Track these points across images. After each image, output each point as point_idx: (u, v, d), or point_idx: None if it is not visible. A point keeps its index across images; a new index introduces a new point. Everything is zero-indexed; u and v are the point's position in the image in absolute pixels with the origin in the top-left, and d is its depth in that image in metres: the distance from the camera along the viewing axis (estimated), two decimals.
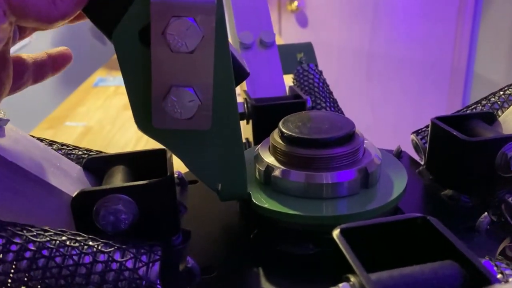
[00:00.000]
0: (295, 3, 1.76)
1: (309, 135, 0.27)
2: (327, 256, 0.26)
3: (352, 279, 0.18)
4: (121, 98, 1.17)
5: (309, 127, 0.28)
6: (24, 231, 0.22)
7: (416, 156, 0.38)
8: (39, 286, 0.21)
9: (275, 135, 0.29)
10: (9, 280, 0.21)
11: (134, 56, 0.23)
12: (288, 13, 1.81)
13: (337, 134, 0.27)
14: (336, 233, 0.20)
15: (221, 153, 0.26)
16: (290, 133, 0.28)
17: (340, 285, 0.18)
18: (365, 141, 0.29)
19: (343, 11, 1.79)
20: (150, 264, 0.23)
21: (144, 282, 0.23)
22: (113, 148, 0.91)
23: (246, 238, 0.28)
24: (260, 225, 0.28)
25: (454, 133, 0.30)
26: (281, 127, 0.29)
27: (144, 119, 0.24)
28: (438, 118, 0.33)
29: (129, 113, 1.07)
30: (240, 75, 0.26)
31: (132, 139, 0.94)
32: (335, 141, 0.27)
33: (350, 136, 0.28)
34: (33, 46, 1.79)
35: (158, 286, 0.23)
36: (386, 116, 1.70)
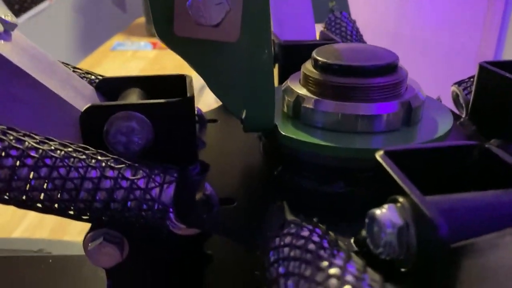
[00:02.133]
0: None
1: (346, 62, 0.24)
2: (358, 196, 0.24)
3: (401, 199, 0.16)
4: (139, 62, 1.15)
5: (346, 56, 0.25)
6: (26, 137, 0.20)
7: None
8: (41, 198, 0.19)
9: (308, 65, 0.26)
10: (7, 188, 0.19)
11: None
12: None
13: (378, 63, 0.24)
14: (380, 154, 0.18)
15: (249, 74, 0.23)
16: (325, 60, 0.25)
17: (385, 206, 0.16)
18: (408, 77, 0.26)
19: None
20: (165, 186, 0.21)
21: (156, 204, 0.20)
22: None
23: (269, 175, 0.26)
24: (286, 161, 0.26)
25: (507, 75, 0.27)
26: (315, 55, 0.26)
27: (165, 25, 0.22)
28: (488, 62, 0.30)
29: None
30: None
31: None
32: (376, 70, 0.24)
33: (392, 67, 0.25)
34: (53, 10, 1.78)
35: (171, 210, 0.20)
36: None
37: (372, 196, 0.18)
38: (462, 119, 0.32)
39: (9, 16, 0.23)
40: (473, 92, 0.31)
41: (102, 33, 1.61)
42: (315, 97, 0.25)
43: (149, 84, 0.27)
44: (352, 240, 0.19)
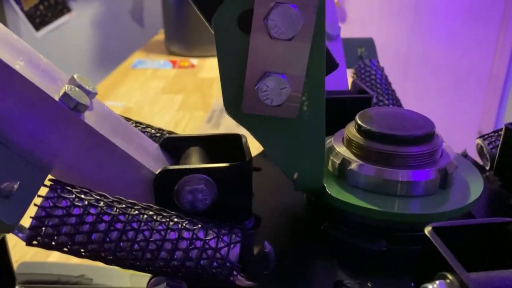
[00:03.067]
0: None
1: (388, 131, 0.27)
2: (399, 254, 0.26)
3: (450, 276, 0.18)
4: (159, 81, 1.18)
5: (388, 123, 0.28)
6: (115, 203, 0.23)
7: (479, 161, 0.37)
8: (127, 257, 0.22)
9: (351, 128, 0.29)
10: (100, 249, 0.22)
11: (232, 42, 0.23)
12: None
13: (418, 133, 0.27)
14: (428, 230, 0.20)
15: (303, 143, 0.26)
16: (368, 128, 0.28)
17: (437, 282, 0.19)
18: (443, 143, 0.29)
19: (383, 9, 1.77)
20: (232, 245, 0.23)
21: (226, 262, 0.23)
22: None
23: (315, 229, 0.29)
24: (331, 217, 0.28)
25: None
26: (358, 120, 0.29)
27: (234, 104, 0.25)
28: None
29: (167, 96, 1.09)
30: (330, 65, 0.26)
31: (170, 122, 0.95)
32: (415, 139, 0.27)
33: (430, 136, 0.28)
34: (73, 24, 1.82)
35: (238, 267, 0.23)
36: None
37: (409, 256, 0.21)
38: (487, 173, 0.35)
39: (91, 86, 0.26)
40: (499, 149, 0.34)
41: (120, 48, 1.65)
42: (359, 161, 0.28)
43: (208, 142, 0.30)
44: None
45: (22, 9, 1.75)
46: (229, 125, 0.99)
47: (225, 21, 0.23)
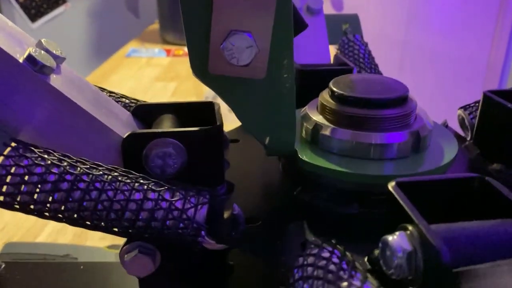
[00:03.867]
0: None
1: (361, 95, 0.27)
2: (371, 217, 0.26)
3: (410, 227, 0.18)
4: (153, 70, 1.17)
5: (361, 88, 0.28)
6: (79, 163, 0.23)
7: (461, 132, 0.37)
8: (91, 217, 0.22)
9: (325, 95, 0.29)
10: (63, 209, 0.22)
11: (196, 4, 0.23)
12: None
13: (390, 96, 0.27)
14: (392, 185, 0.20)
15: (273, 106, 0.26)
16: (341, 92, 0.27)
17: (397, 233, 0.18)
18: (417, 107, 0.28)
19: None
20: (199, 207, 0.23)
21: (192, 223, 0.23)
22: None
23: (289, 194, 0.28)
24: (304, 183, 0.28)
25: (509, 105, 0.29)
26: (331, 86, 0.28)
27: (201, 65, 0.24)
28: (491, 91, 0.32)
29: (160, 84, 1.08)
30: (299, 26, 0.25)
31: None
32: (387, 102, 0.27)
33: (403, 99, 0.27)
34: (69, 15, 1.81)
35: (204, 228, 0.23)
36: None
37: (383, 219, 0.21)
38: (467, 143, 0.35)
39: (59, 51, 0.26)
40: (477, 118, 0.33)
41: (115, 38, 1.65)
42: (332, 125, 0.27)
43: (180, 109, 0.29)
44: (365, 259, 0.21)
45: (17, 0, 1.75)
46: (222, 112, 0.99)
47: None
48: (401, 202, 0.19)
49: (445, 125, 0.37)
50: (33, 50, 0.24)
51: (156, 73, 1.15)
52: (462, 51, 1.70)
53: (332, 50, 0.46)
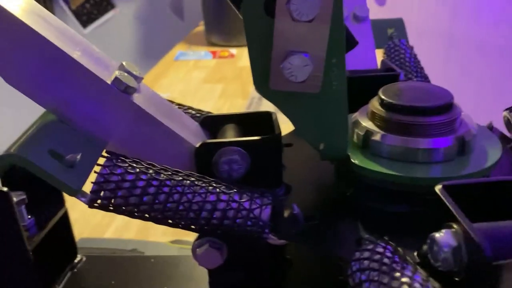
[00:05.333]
0: None
1: (409, 103, 0.29)
2: (419, 216, 0.28)
3: (455, 225, 0.21)
4: (201, 72, 1.22)
5: (408, 96, 0.30)
6: (162, 171, 0.26)
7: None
8: (173, 216, 0.26)
9: (374, 103, 0.31)
10: (150, 210, 0.25)
11: (259, 26, 0.26)
12: None
13: (436, 103, 0.29)
14: (439, 187, 0.22)
15: (327, 115, 0.29)
16: (390, 101, 0.30)
17: (443, 230, 0.21)
18: (462, 113, 0.31)
19: None
20: (263, 207, 0.26)
21: (259, 222, 0.26)
22: None
23: (342, 197, 0.31)
24: (357, 184, 0.31)
25: None
26: (381, 94, 0.31)
27: (263, 82, 0.28)
28: None
29: (208, 86, 1.13)
30: (350, 43, 0.28)
31: (212, 110, 0.98)
32: (434, 109, 0.29)
33: (448, 106, 0.30)
34: (118, 20, 1.89)
35: (269, 226, 0.26)
36: (462, 101, 1.64)
37: (430, 217, 0.23)
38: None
39: (137, 72, 0.30)
40: None
41: (162, 41, 1.71)
42: (381, 131, 0.30)
43: (242, 119, 0.33)
44: (415, 254, 0.24)
45: (69, 8, 1.85)
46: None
47: (252, 7, 0.26)
48: (447, 203, 0.21)
49: (491, 127, 0.38)
50: (119, 73, 0.27)
51: (203, 75, 1.19)
52: (508, 44, 1.65)
53: (379, 54, 0.48)
